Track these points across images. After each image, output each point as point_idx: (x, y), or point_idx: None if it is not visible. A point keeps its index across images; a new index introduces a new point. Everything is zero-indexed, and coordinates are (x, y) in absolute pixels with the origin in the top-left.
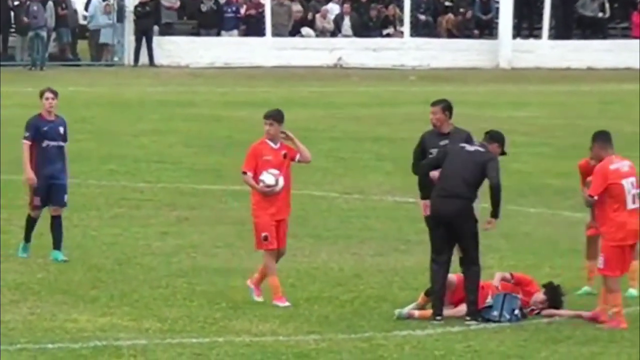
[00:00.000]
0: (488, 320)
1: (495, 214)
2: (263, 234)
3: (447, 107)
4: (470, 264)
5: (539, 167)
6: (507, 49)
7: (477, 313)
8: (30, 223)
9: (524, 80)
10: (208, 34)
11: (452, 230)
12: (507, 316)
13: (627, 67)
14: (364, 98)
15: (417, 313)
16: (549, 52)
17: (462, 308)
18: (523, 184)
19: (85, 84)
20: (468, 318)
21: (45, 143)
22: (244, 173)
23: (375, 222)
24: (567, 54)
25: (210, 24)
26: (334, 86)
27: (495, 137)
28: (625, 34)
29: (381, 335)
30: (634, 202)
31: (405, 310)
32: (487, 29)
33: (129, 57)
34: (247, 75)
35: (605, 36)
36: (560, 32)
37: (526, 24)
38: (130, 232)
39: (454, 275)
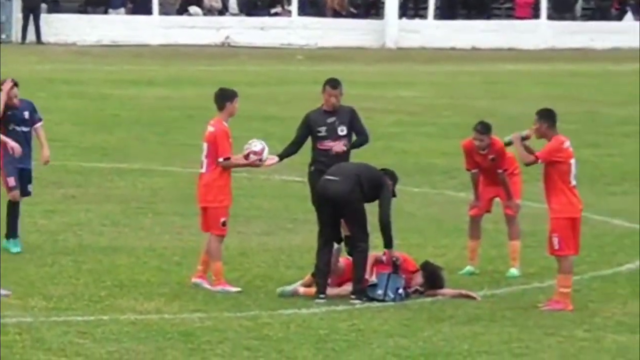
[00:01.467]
0: (372, 299)
1: (386, 245)
2: (223, 219)
3: (342, 88)
4: (357, 243)
5: (424, 147)
6: (393, 29)
7: (363, 292)
8: (13, 210)
9: (409, 60)
10: (95, 12)
11: (339, 210)
12: (391, 295)
13: (511, 47)
14: (252, 77)
15: (301, 290)
16: (434, 32)
17: (347, 287)
18: (408, 164)
19: None
20: (353, 297)
21: (11, 127)
22: (227, 158)
23: (262, 200)
24: (452, 34)
25: (97, 1)
26: (222, 65)
27: (391, 176)
28: (509, 15)
29: (267, 314)
30: (574, 180)
31: (290, 287)
32: (374, 9)
33: (16, 34)
34: (135, 54)
35: (489, 16)
36: (446, 12)
37: (412, 4)
38: None
39: (343, 259)
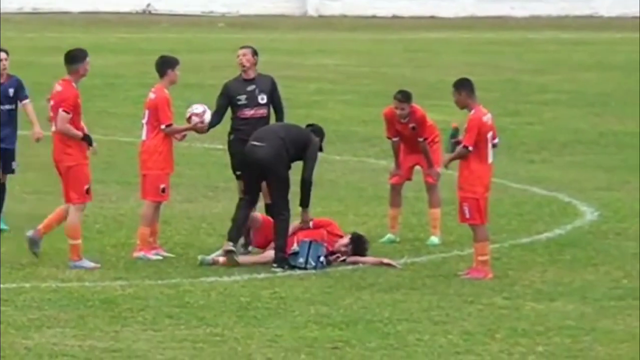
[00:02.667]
0: (294, 267)
1: (302, 203)
2: (162, 186)
3: (255, 52)
4: (279, 210)
5: (345, 115)
6: None
7: (285, 260)
8: None
9: (331, 28)
10: None
11: (263, 175)
12: (313, 263)
13: (432, 15)
14: (174, 45)
15: (221, 259)
16: (355, 0)
17: (268, 254)
18: (329, 132)
19: None
20: (275, 265)
21: None
22: (169, 125)
23: (183, 168)
24: (373, 2)
25: None
26: (143, 32)
27: (317, 132)
28: None
29: (188, 281)
30: (491, 156)
31: (210, 256)
32: None
33: None
34: (56, 21)
35: None
36: None
37: None
38: None
39: (260, 215)
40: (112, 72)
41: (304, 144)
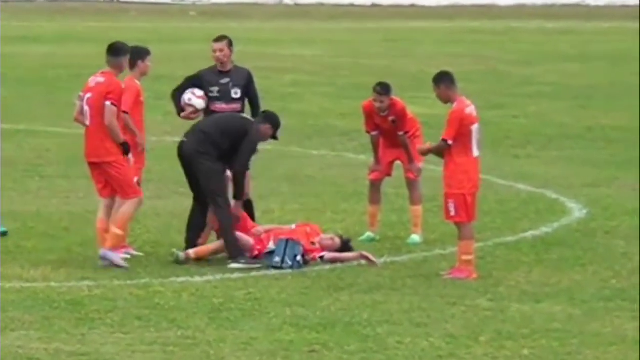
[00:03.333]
0: (270, 267)
1: (235, 195)
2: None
3: (231, 43)
4: (215, 204)
5: (323, 108)
6: None
7: (239, 253)
8: None
9: (308, 17)
10: None
11: (192, 171)
12: (289, 262)
13: (412, 3)
14: (143, 34)
15: (192, 252)
16: None
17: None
18: (306, 126)
19: None
20: (230, 261)
21: None
22: (125, 112)
23: (153, 163)
24: None
25: None
26: (112, 22)
27: (269, 118)
28: None
29: (158, 281)
30: (478, 149)
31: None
32: None
33: None
34: (23, 10)
35: None
36: None
37: None
38: None
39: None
40: (78, 62)
41: (242, 134)
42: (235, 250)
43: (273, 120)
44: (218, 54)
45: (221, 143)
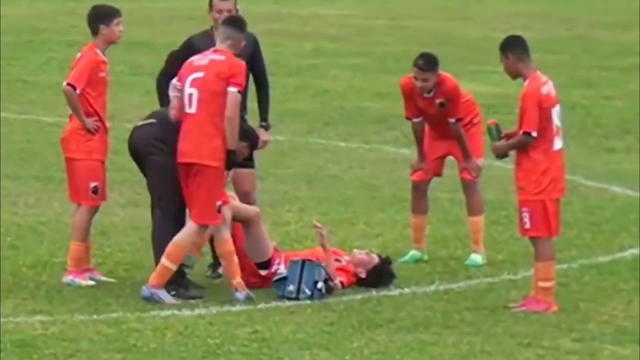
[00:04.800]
0: (283, 297)
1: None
2: (94, 184)
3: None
4: (160, 207)
5: (353, 86)
6: None
7: (172, 282)
8: None
9: None
10: None
11: (141, 166)
12: (308, 291)
13: None
14: None
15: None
16: None
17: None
18: (330, 109)
19: None
20: (169, 288)
21: None
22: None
23: (126, 160)
24: None
25: None
26: None
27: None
28: None
29: (134, 316)
30: (560, 141)
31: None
32: None
33: None
34: None
35: None
36: None
37: None
38: None
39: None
40: (28, 25)
41: None
42: (172, 276)
43: (248, 137)
44: (224, 14)
45: (170, 134)
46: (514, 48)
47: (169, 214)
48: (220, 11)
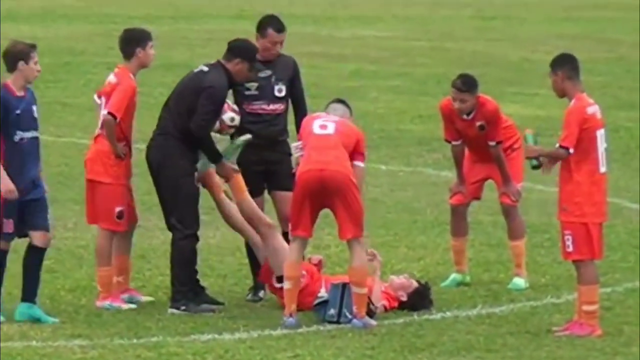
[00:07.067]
0: (324, 321)
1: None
2: (119, 208)
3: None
4: (177, 228)
5: (393, 108)
6: None
7: (182, 297)
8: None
9: None
10: None
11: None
12: (349, 315)
13: None
14: (150, 9)
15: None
16: None
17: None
18: (371, 131)
19: None
20: (170, 305)
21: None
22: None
23: None
24: None
25: None
26: None
27: (235, 50)
28: None
29: (174, 340)
30: (604, 164)
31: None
32: None
33: None
34: None
35: None
36: None
37: None
38: None
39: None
40: (66, 46)
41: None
42: (179, 293)
43: (242, 50)
44: (279, 47)
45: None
46: (564, 65)
47: (193, 231)
48: (273, 42)
